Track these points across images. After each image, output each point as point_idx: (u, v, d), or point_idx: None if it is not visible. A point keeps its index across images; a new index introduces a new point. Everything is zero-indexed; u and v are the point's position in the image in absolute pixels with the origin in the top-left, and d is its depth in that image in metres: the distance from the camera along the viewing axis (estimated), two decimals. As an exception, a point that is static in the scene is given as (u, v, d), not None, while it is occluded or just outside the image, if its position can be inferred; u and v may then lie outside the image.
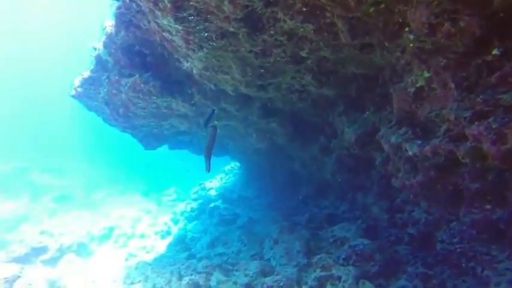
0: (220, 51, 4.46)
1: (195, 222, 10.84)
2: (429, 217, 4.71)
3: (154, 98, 5.83)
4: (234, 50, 4.47)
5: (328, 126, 6.78)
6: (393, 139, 4.18)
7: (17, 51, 37.81)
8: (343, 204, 7.32)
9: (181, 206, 13.50)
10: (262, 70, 4.97)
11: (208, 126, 4.35)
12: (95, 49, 6.06)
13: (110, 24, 5.58)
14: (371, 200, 6.33)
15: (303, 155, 8.07)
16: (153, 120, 6.85)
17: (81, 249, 8.72)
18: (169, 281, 6.23)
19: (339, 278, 4.45)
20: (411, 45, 3.27)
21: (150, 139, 8.05)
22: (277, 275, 5.09)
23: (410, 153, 3.75)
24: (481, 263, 3.62)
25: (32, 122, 35.26)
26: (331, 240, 5.72)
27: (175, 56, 5.30)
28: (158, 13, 4.11)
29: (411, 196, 4.87)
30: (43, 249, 8.04)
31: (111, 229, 10.88)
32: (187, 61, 5.07)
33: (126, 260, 8.42)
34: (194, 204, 12.47)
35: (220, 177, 14.61)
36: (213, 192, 13.23)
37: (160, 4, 3.89)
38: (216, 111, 5.13)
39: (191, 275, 5.80)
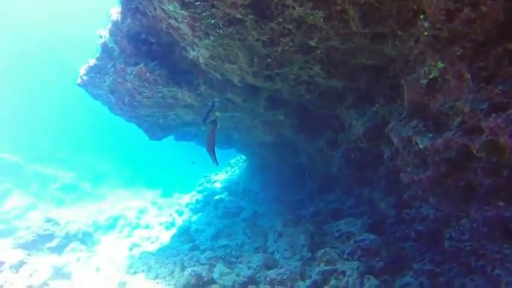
0: (227, 39, 4.36)
1: (200, 214, 10.85)
2: (438, 213, 4.58)
3: (160, 87, 5.76)
4: (241, 38, 4.36)
5: (336, 120, 6.65)
6: (403, 132, 4.06)
7: (22, 41, 38.03)
8: (349, 199, 7.21)
9: (186, 198, 13.55)
10: (270, 60, 4.86)
11: (207, 123, 4.34)
12: (101, 37, 6.00)
13: (116, 11, 5.50)
14: (378, 196, 6.21)
15: (309, 149, 7.96)
16: (159, 110, 6.79)
17: (87, 238, 8.79)
18: (172, 272, 6.23)
19: (344, 272, 4.38)
20: (425, 33, 3.13)
21: (156, 130, 8.01)
22: (280, 268, 5.03)
23: (421, 146, 3.63)
24: (492, 262, 3.50)
25: (41, 112, 35.65)
26: (336, 234, 5.64)
27: (182, 44, 5.21)
28: (164, -2, 4.02)
29: (420, 192, 4.74)
30: (49, 237, 8.12)
31: (116, 219, 10.97)
32: (194, 50, 4.98)
33: (130, 249, 8.46)
34: (199, 196, 12.48)
35: (226, 170, 14.59)
36: (218, 185, 13.22)
37: (166, -11, 3.80)
38: (216, 104, 5.08)
39: (194, 266, 5.78)
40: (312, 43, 4.34)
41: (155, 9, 4.74)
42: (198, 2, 3.70)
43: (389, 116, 5.05)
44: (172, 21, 4.47)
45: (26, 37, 37.52)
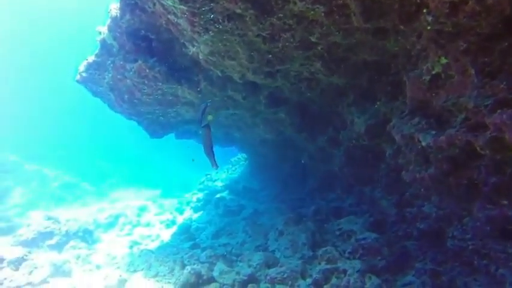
0: (227, 34, 4.30)
1: (201, 212, 10.83)
2: (440, 212, 4.52)
3: (160, 84, 5.72)
4: (241, 33, 4.30)
5: (337, 117, 6.59)
6: (405, 129, 4.00)
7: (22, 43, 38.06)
8: (350, 198, 7.16)
9: (187, 197, 13.53)
10: (270, 56, 4.80)
11: (201, 127, 4.33)
12: (100, 33, 5.95)
13: (115, 6, 5.45)
14: (379, 194, 6.16)
15: (310, 147, 7.90)
16: (159, 107, 6.74)
17: (87, 236, 8.78)
18: (172, 270, 6.20)
19: (345, 271, 4.33)
20: (429, 28, 3.06)
21: (156, 127, 7.97)
22: (281, 266, 4.99)
23: (423, 143, 3.57)
24: (496, 261, 3.44)
25: (42, 111, 35.71)
26: (337, 233, 5.59)
27: (182, 40, 5.16)
28: (163, -7, 3.97)
29: (422, 190, 4.69)
30: (50, 234, 8.11)
31: (116, 217, 10.95)
32: (193, 46, 4.93)
33: (131, 247, 8.44)
34: (200, 195, 12.45)
35: (227, 169, 14.56)
36: (219, 183, 13.19)
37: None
38: (208, 105, 5.07)
39: (194, 264, 5.75)
40: (313, 39, 4.27)
41: (154, 4, 4.69)
42: (197, -3, 3.65)
43: (391, 113, 4.99)
44: (171, 17, 4.42)
45: (26, 35, 37.50)
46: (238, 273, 5.17)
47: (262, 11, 3.87)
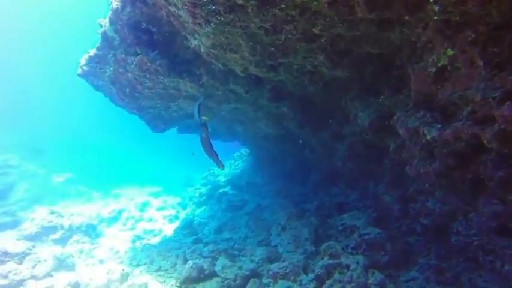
0: (229, 27, 4.22)
1: (204, 207, 10.84)
2: (444, 207, 4.46)
3: (162, 77, 5.66)
4: (243, 25, 4.22)
5: (340, 111, 6.51)
6: (410, 123, 3.92)
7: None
8: (354, 193, 7.11)
9: (190, 191, 13.54)
10: (273, 48, 4.72)
11: (199, 128, 4.30)
12: (101, 25, 5.89)
13: (116, -1, 5.39)
14: (383, 189, 6.10)
15: (313, 141, 7.84)
16: (160, 101, 6.70)
17: (90, 230, 8.82)
18: (175, 264, 6.21)
19: (347, 266, 4.29)
20: (435, 18, 2.97)
21: (158, 121, 7.93)
22: (283, 261, 4.96)
23: (428, 137, 3.49)
24: (501, 257, 3.38)
25: (46, 105, 35.89)
26: (340, 228, 5.54)
27: (183, 33, 5.09)
28: (163, -16, 3.90)
29: (426, 185, 4.62)
30: (53, 229, 8.17)
31: (120, 212, 11.00)
32: (195, 38, 4.86)
33: (133, 242, 8.48)
34: (203, 190, 12.46)
35: (230, 163, 14.54)
36: (222, 178, 13.18)
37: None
38: (201, 102, 5.00)
39: (196, 259, 5.74)
40: (316, 31, 4.18)
41: (155, -4, 4.63)
42: (198, -13, 3.58)
43: (395, 107, 4.91)
44: (172, 8, 4.35)
45: (26, 30, 37.52)
46: (240, 268, 5.16)
47: (264, 2, 3.80)
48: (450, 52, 3.20)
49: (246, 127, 8.61)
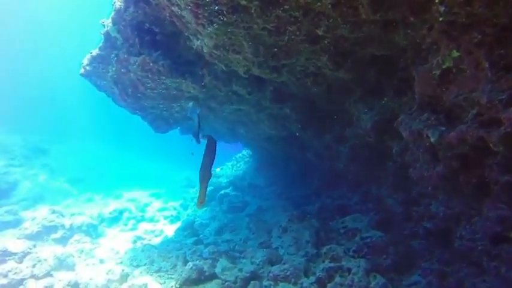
0: (232, 27, 4.21)
1: (204, 208, 10.79)
2: (448, 211, 4.40)
3: (164, 78, 5.66)
4: (246, 26, 4.21)
5: (343, 114, 6.47)
6: (414, 125, 3.88)
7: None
8: (356, 196, 7.06)
9: (191, 192, 13.52)
10: (276, 49, 4.70)
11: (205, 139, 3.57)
12: (104, 26, 5.90)
13: (119, -1, 5.40)
14: (385, 192, 6.06)
15: (315, 144, 7.80)
16: (163, 101, 6.69)
17: (91, 230, 8.81)
18: (175, 265, 6.18)
19: (349, 270, 4.25)
20: (441, 19, 2.93)
21: (160, 122, 7.93)
22: (284, 263, 4.92)
23: (432, 140, 3.45)
24: (506, 263, 3.33)
25: (51, 104, 36.14)
26: (342, 231, 5.51)
27: (186, 33, 5.08)
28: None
29: (429, 188, 4.57)
30: (54, 228, 8.16)
31: (121, 212, 10.98)
32: (198, 39, 4.85)
33: (134, 242, 8.46)
34: (204, 191, 12.43)
35: (232, 165, 14.52)
36: (223, 180, 13.15)
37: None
38: (198, 113, 4.53)
39: (196, 260, 5.71)
40: (320, 32, 4.16)
41: (158, -4, 4.62)
42: (201, -13, 3.56)
43: (398, 109, 4.87)
44: (175, 9, 4.34)
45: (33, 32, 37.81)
46: (240, 270, 5.13)
47: (268, 3, 3.78)
48: (455, 54, 3.16)
49: (248, 128, 8.59)
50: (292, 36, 4.33)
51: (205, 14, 3.93)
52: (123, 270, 6.16)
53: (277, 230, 6.36)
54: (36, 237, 7.76)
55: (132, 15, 5.24)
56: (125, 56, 5.68)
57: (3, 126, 20.30)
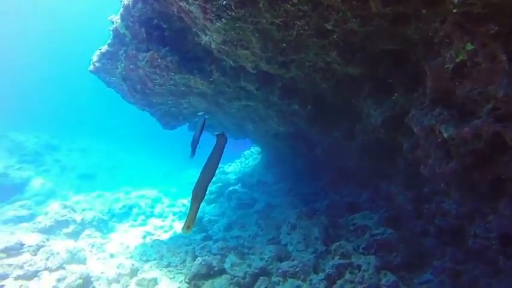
0: (240, 22, 4.18)
1: (213, 205, 10.85)
2: (461, 209, 4.31)
3: (172, 74, 5.67)
4: (254, 21, 4.17)
5: (352, 110, 6.39)
6: (425, 121, 3.79)
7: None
8: (365, 193, 6.98)
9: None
10: (284, 44, 4.65)
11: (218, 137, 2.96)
12: (112, 22, 5.93)
13: (127, -5, 5.41)
14: (396, 189, 5.97)
15: (324, 140, 7.74)
16: (171, 98, 6.71)
17: (102, 225, 8.94)
18: (184, 261, 6.23)
19: (359, 267, 4.20)
20: (455, 10, 2.85)
21: (169, 118, 7.97)
22: (293, 260, 4.91)
23: (445, 135, 3.36)
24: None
25: (62, 101, 36.76)
26: (351, 228, 5.46)
27: (194, 29, 5.07)
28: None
29: (442, 185, 4.48)
30: (66, 223, 8.30)
31: (130, 207, 11.10)
32: (206, 34, 4.83)
33: (144, 237, 8.54)
34: (213, 187, 12.47)
35: (240, 161, 14.54)
36: (232, 176, 13.18)
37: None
38: (206, 119, 4.12)
39: (205, 255, 5.74)
40: (329, 26, 4.10)
41: (166, -8, 4.61)
42: (209, -18, 3.54)
43: (409, 105, 4.77)
44: (183, 4, 4.32)
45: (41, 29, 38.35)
46: (249, 265, 5.13)
47: (276, -3, 3.73)
48: (470, 47, 3.07)
49: (256, 125, 8.56)
50: (301, 31, 4.28)
51: (213, 9, 3.91)
52: (133, 265, 6.25)
53: (286, 227, 6.34)
54: (49, 231, 7.91)
55: (141, 11, 5.26)
56: (134, 52, 5.71)
57: (15, 124, 20.76)
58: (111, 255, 7.26)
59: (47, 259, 6.31)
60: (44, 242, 6.90)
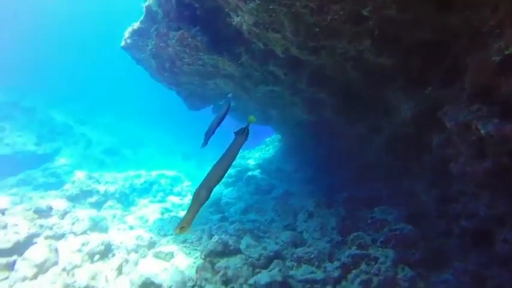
0: (273, 4, 4.09)
1: (231, 188, 10.98)
2: (490, 211, 4.13)
3: (201, 54, 5.67)
4: (288, 3, 4.07)
5: (381, 102, 6.19)
6: (461, 116, 3.62)
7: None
8: (387, 188, 6.82)
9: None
10: (317, 29, 4.52)
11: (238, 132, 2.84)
12: None
13: (162, -27, 5.42)
14: (420, 187, 5.79)
15: (348, 132, 7.58)
16: (198, 78, 6.74)
17: (123, 198, 9.29)
18: (200, 238, 6.39)
19: (376, 259, 4.15)
20: (508, -2, 2.66)
21: (194, 99, 8.03)
22: (308, 247, 4.91)
23: (482, 132, 3.20)
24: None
25: (90, 76, 37.96)
26: (369, 221, 5.37)
27: (226, 9, 5.03)
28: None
29: (472, 186, 4.30)
30: (90, 193, 8.68)
31: (151, 184, 11.44)
32: (238, 15, 4.78)
33: (162, 213, 8.80)
34: (232, 171, 12.59)
35: (260, 148, 14.56)
36: (251, 162, 13.24)
37: None
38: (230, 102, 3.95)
39: (222, 235, 5.85)
40: (365, 12, 3.93)
41: (201, -30, 4.57)
42: (247, -41, 3.46)
43: (443, 100, 4.56)
44: (217, -17, 4.28)
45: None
46: (265, 248, 5.19)
47: (313, -22, 3.61)
48: (522, 39, 2.87)
49: (280, 112, 8.50)
50: (335, 16, 4.13)
51: (248, -12, 3.84)
52: (151, 238, 6.47)
53: (303, 215, 6.33)
54: (75, 199, 8.31)
55: (174, -11, 5.26)
56: (165, 30, 5.75)
57: (47, 98, 21.69)
58: (131, 227, 7.55)
59: (73, 224, 6.68)
60: (70, 208, 7.30)
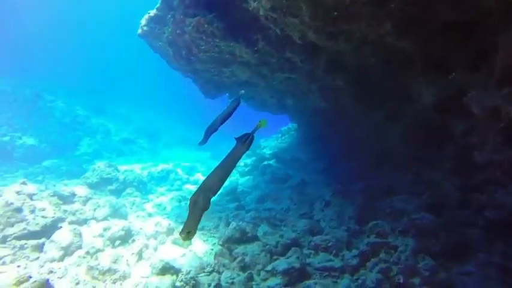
0: (291, -14, 3.99)
1: (247, 177, 11.03)
2: (518, 201, 3.98)
3: (218, 40, 5.63)
4: (306, -14, 3.96)
5: (401, 89, 6.00)
6: (490, 101, 3.45)
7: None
8: (406, 177, 6.66)
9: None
10: (336, 13, 4.38)
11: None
12: (162, -14, 5.97)
13: (178, -41, 5.36)
14: (441, 175, 5.63)
15: (366, 120, 7.42)
16: (214, 65, 6.71)
17: (141, 186, 9.49)
18: (217, 225, 6.47)
19: (395, 247, 4.09)
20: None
21: (210, 86, 8.03)
22: (326, 235, 4.89)
23: (512, 117, 3.04)
24: None
25: (108, 66, 38.66)
26: (388, 210, 5.28)
27: (243, -6, 4.95)
28: None
29: (498, 175, 4.13)
30: (110, 181, 8.92)
31: (168, 172, 11.64)
32: (255, 0, 4.69)
33: (179, 201, 8.95)
34: (248, 160, 12.63)
35: (276, 137, 14.51)
36: (267, 151, 13.23)
37: None
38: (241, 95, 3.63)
39: (239, 222, 5.90)
40: (388, -7, 3.77)
41: (217, -46, 4.49)
42: None
43: (468, 86, 4.35)
44: (234, -34, 4.20)
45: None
46: (282, 236, 5.20)
47: (334, -42, 3.48)
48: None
49: (297, 100, 8.39)
50: (356, -2, 3.99)
51: (266, -29, 3.75)
52: (169, 224, 6.61)
53: (319, 204, 6.30)
54: (95, 186, 8.56)
55: (190, -25, 5.20)
56: (181, 17, 5.72)
57: (68, 88, 22.28)
58: (149, 214, 7.73)
59: (94, 210, 6.92)
60: (91, 195, 7.55)
